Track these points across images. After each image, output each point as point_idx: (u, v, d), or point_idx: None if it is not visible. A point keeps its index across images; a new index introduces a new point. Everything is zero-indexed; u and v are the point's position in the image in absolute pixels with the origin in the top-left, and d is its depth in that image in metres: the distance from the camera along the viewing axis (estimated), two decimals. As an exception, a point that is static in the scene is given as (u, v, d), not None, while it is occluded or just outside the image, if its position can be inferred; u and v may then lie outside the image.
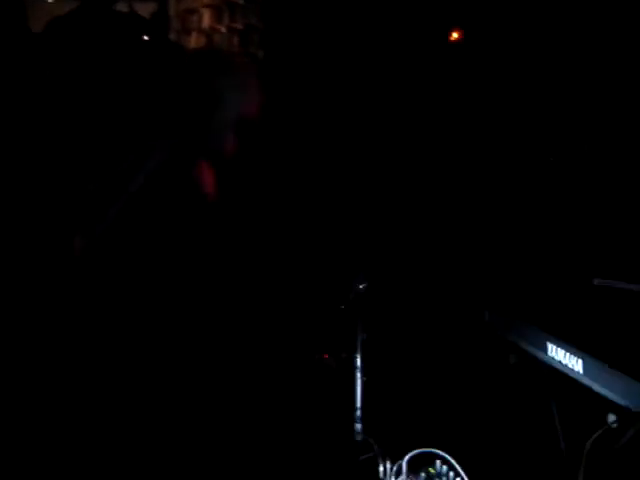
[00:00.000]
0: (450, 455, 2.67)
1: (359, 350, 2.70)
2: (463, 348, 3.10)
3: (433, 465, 2.73)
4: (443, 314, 3.13)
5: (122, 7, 2.87)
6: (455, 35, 2.73)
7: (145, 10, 3.20)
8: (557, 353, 2.59)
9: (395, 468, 2.61)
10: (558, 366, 2.59)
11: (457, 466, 2.65)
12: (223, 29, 3.95)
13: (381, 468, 2.61)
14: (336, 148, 3.15)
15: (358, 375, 2.71)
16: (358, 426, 2.71)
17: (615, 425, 2.36)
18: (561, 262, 3.08)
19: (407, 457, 2.61)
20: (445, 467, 2.72)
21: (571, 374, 2.54)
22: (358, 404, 2.72)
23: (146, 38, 2.78)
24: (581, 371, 2.50)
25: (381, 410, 2.77)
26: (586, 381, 2.50)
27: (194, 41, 4.03)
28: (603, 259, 2.96)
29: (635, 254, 2.89)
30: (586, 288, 2.85)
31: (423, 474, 2.69)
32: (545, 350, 2.64)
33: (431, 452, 2.64)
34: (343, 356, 2.70)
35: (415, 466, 2.68)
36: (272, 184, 3.00)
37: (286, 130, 3.06)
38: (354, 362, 2.70)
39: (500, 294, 3.00)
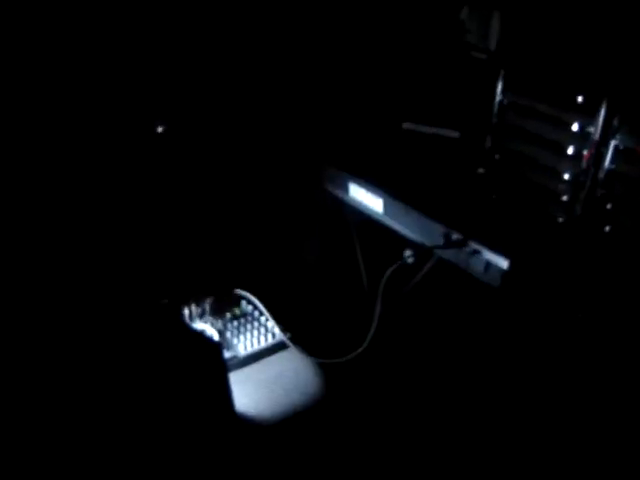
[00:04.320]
0: (255, 295, 2.71)
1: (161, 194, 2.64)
2: (268, 189, 3.09)
3: (239, 306, 2.77)
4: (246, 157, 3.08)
5: None
6: None
7: None
8: (358, 193, 2.62)
9: (199, 309, 2.62)
10: (360, 206, 2.63)
11: (261, 305, 2.70)
12: None
13: (186, 311, 2.61)
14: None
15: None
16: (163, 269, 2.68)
17: (411, 260, 2.44)
18: (372, 107, 3.08)
19: (210, 299, 2.63)
20: (250, 307, 2.77)
21: (372, 214, 2.59)
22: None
23: None
24: (381, 211, 2.55)
25: (188, 257, 2.75)
26: (386, 220, 2.56)
27: None
28: (413, 105, 2.99)
29: (444, 99, 2.92)
30: (395, 132, 2.88)
31: (228, 314, 2.72)
32: (347, 190, 2.67)
33: (236, 293, 2.67)
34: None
35: (221, 307, 2.70)
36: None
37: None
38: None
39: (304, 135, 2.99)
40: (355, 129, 2.98)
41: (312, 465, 2.21)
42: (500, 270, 2.18)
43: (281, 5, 2.95)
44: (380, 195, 2.55)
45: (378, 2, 3.01)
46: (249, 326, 2.67)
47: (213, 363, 2.20)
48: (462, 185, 2.61)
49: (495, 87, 2.63)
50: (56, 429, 2.02)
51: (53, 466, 1.99)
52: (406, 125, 2.94)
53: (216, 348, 2.24)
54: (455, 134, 2.86)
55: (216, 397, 2.23)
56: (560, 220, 2.32)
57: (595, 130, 2.19)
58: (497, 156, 2.59)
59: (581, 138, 2.22)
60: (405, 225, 2.51)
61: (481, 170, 2.66)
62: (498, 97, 2.63)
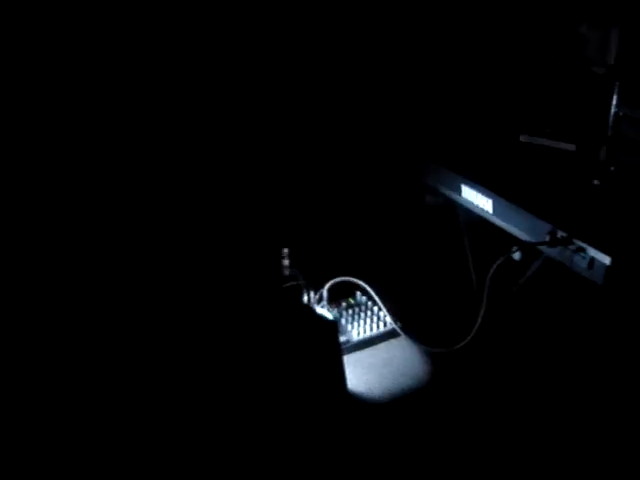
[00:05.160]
0: (370, 286, 2.90)
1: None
2: (383, 189, 3.30)
3: (353, 296, 2.98)
4: (364, 156, 3.29)
5: None
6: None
7: None
8: (470, 194, 2.79)
9: (317, 296, 2.85)
10: (470, 206, 2.79)
11: (375, 296, 2.89)
12: None
13: (305, 297, 2.84)
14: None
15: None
16: (285, 261, 2.92)
17: (518, 255, 2.57)
18: (490, 118, 3.23)
19: (327, 285, 2.85)
20: (364, 298, 2.97)
21: (482, 213, 2.74)
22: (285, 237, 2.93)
23: None
24: (490, 210, 2.71)
25: (309, 247, 2.98)
26: (496, 220, 2.71)
27: None
28: (531, 117, 3.11)
29: (561, 112, 3.03)
30: (513, 144, 3.02)
31: (344, 303, 2.94)
32: (459, 192, 2.84)
33: (350, 281, 2.88)
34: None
35: (337, 297, 2.92)
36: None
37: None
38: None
39: (425, 142, 3.17)
40: (474, 136, 3.14)
41: (415, 446, 2.37)
42: (603, 266, 2.29)
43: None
44: (490, 196, 2.71)
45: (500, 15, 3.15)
46: (363, 314, 2.87)
47: (330, 339, 2.41)
48: (575, 194, 2.71)
49: (611, 100, 2.73)
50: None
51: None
52: (523, 138, 3.07)
53: (333, 326, 2.46)
54: (571, 147, 2.97)
55: (331, 373, 2.44)
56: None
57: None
58: (612, 168, 2.69)
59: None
60: (513, 224, 2.64)
61: (596, 182, 2.76)
62: (613, 109, 2.73)
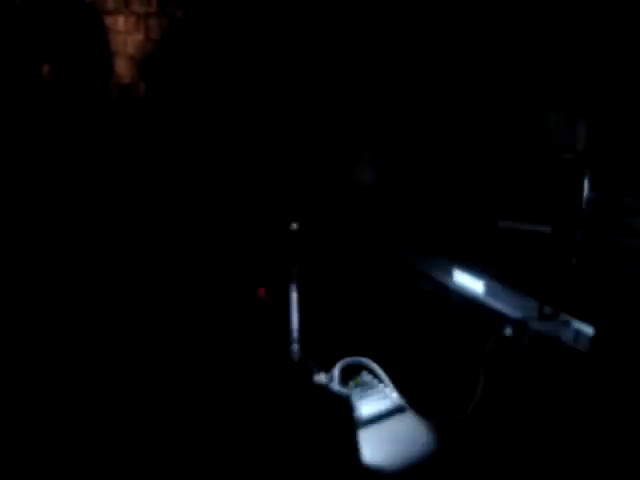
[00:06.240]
0: (378, 366, 3.15)
1: (294, 282, 3.17)
2: (383, 278, 3.57)
3: (359, 375, 3.23)
4: (366, 251, 3.58)
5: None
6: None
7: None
8: (462, 279, 3.07)
9: (329, 376, 3.08)
10: (462, 289, 3.07)
11: (381, 373, 3.14)
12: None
13: (316, 377, 3.07)
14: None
15: (294, 298, 3.15)
16: (295, 346, 3.17)
17: (509, 332, 2.84)
18: (468, 206, 3.52)
19: (339, 366, 3.09)
20: (370, 376, 3.22)
21: (474, 295, 3.02)
22: (294, 326, 3.18)
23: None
24: (482, 292, 2.98)
25: (315, 333, 3.23)
26: (486, 300, 2.98)
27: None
28: (508, 201, 3.40)
29: (536, 197, 3.32)
30: (491, 230, 3.31)
31: (352, 383, 3.18)
32: (452, 277, 3.12)
33: (358, 362, 3.12)
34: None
35: (345, 377, 3.17)
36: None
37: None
38: (289, 294, 3.17)
39: (413, 232, 3.47)
40: (455, 226, 3.44)
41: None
42: (588, 337, 2.56)
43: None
44: (481, 278, 2.99)
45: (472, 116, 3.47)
46: (370, 392, 3.11)
47: (345, 415, 2.64)
48: (557, 272, 2.99)
49: (582, 184, 3.03)
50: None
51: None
52: (502, 224, 3.36)
53: (348, 402, 2.68)
54: (547, 229, 3.27)
55: (346, 449, 2.66)
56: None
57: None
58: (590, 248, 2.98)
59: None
60: (504, 303, 2.92)
61: (574, 261, 3.04)
62: (585, 193, 3.03)
